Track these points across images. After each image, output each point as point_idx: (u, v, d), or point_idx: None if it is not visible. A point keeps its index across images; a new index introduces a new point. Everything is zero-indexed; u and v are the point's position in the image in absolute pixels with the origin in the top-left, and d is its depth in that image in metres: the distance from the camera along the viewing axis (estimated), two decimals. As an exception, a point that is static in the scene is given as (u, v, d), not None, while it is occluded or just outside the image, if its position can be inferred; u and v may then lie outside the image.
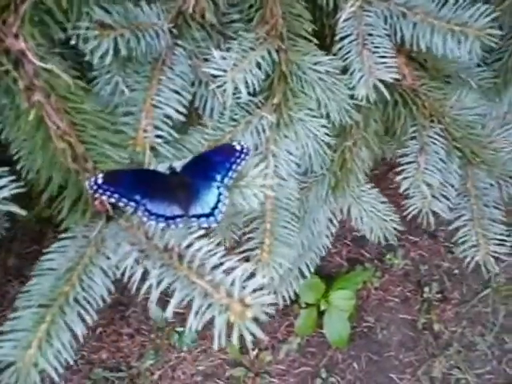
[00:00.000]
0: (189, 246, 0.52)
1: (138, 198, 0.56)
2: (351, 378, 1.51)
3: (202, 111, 0.69)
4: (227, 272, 0.49)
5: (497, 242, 0.80)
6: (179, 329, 1.52)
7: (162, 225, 0.55)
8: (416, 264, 1.67)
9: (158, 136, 0.63)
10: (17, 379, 0.51)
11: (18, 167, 0.57)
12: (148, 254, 0.53)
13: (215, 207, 0.58)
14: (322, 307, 1.49)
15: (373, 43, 0.73)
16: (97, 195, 0.55)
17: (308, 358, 1.53)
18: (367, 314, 1.59)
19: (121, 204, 0.56)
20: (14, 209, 0.49)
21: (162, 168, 0.61)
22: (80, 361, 1.45)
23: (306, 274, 0.82)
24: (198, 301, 0.49)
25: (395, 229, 0.89)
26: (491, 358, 1.55)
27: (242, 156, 0.60)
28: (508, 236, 0.80)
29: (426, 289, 1.62)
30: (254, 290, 0.47)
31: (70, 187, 0.56)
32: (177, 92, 0.65)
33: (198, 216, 0.58)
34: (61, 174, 0.56)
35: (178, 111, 0.64)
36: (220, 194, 0.59)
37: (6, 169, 0.51)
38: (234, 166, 0.60)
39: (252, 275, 0.48)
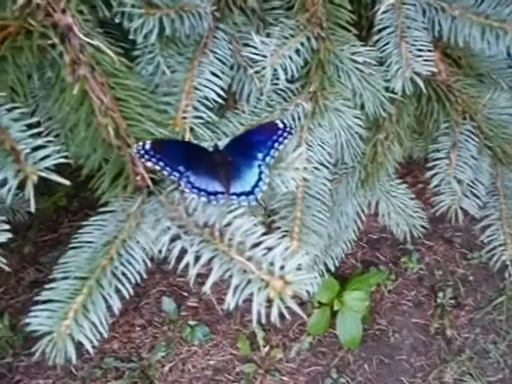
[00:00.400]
0: (229, 224, 0.52)
1: (181, 169, 0.56)
2: (362, 379, 1.50)
3: (238, 96, 0.70)
4: (267, 249, 0.49)
5: (525, 242, 0.80)
6: (192, 322, 1.52)
7: (203, 199, 0.55)
8: (431, 269, 1.67)
9: (197, 117, 0.63)
10: (52, 349, 0.51)
11: (61, 140, 0.57)
12: (187, 230, 0.53)
13: (256, 185, 0.58)
14: (336, 307, 1.48)
15: (411, 36, 0.73)
16: (142, 160, 0.55)
17: (319, 357, 1.52)
18: (380, 317, 1.58)
19: (164, 173, 0.56)
20: (57, 178, 0.50)
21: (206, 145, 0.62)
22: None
23: (332, 268, 0.82)
24: (237, 277, 0.49)
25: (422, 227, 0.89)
26: (503, 367, 1.53)
27: (285, 134, 0.60)
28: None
29: (440, 294, 1.61)
30: (294, 268, 0.47)
31: (111, 162, 0.57)
32: (216, 75, 0.65)
33: (239, 194, 0.58)
34: (103, 149, 0.56)
35: (217, 94, 0.65)
36: (261, 173, 0.59)
37: (51, 139, 0.51)
38: (276, 145, 0.60)
39: (293, 253, 0.48)
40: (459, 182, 0.79)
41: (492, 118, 0.83)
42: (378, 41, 0.74)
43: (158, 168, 0.56)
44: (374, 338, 1.55)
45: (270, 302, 0.47)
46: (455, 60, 0.84)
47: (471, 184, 0.80)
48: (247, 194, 0.58)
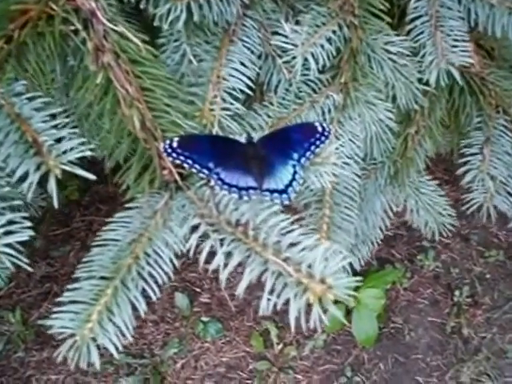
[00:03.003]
0: (264, 222, 0.49)
1: (211, 165, 0.53)
2: (376, 378, 1.48)
3: (266, 86, 0.66)
4: (306, 250, 0.45)
5: None
6: (204, 318, 1.50)
7: (234, 195, 0.52)
8: (447, 267, 1.64)
9: (224, 109, 0.60)
10: (75, 353, 0.48)
11: (84, 132, 0.54)
12: (218, 228, 0.50)
13: (289, 185, 0.56)
14: (351, 305, 1.45)
15: (446, 25, 0.70)
16: (170, 159, 0.52)
17: (333, 355, 1.50)
18: (395, 315, 1.56)
19: (194, 170, 0.53)
20: (83, 173, 0.47)
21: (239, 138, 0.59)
22: (103, 345, 1.44)
23: (358, 268, 0.79)
24: (272, 280, 0.45)
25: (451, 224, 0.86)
26: (522, 367, 1.50)
27: (323, 138, 0.57)
28: None
29: (457, 292, 1.59)
30: (336, 271, 0.44)
31: (137, 155, 0.54)
32: (245, 65, 0.62)
33: (272, 191, 0.55)
34: (128, 142, 0.53)
35: (245, 84, 0.62)
36: (295, 173, 0.56)
37: (76, 131, 0.48)
38: (312, 148, 0.57)
39: (334, 255, 0.44)
40: (492, 178, 0.75)
41: (526, 112, 0.79)
42: (411, 30, 0.71)
43: (186, 166, 0.53)
44: (389, 336, 1.53)
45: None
46: (488, 51, 0.80)
47: (504, 181, 0.77)
48: (280, 192, 0.55)
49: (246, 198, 0.53)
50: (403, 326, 1.54)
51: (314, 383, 1.45)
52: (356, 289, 1.43)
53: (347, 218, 0.69)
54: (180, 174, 0.53)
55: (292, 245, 0.46)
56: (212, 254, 0.49)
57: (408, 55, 0.70)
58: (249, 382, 1.45)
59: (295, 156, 0.57)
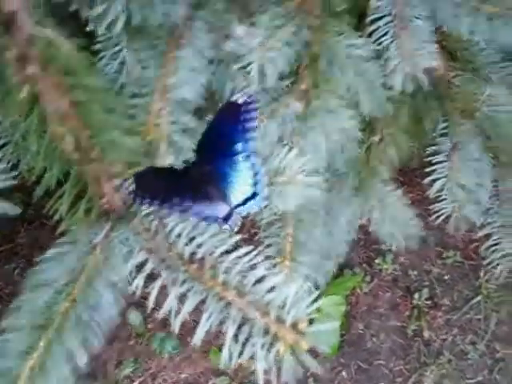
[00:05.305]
0: (223, 256, 0.42)
1: (177, 201, 0.46)
2: (340, 387, 1.45)
3: (220, 95, 0.60)
4: (275, 289, 0.39)
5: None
6: (160, 334, 1.43)
7: (213, 225, 0.46)
8: (405, 269, 1.63)
9: (173, 122, 0.53)
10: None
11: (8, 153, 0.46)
12: (169, 265, 0.43)
13: (255, 183, 0.49)
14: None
15: (411, 26, 0.65)
16: (137, 205, 0.45)
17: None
18: (356, 321, 1.54)
19: (164, 211, 0.46)
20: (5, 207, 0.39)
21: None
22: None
23: (323, 285, 0.74)
24: (234, 327, 0.39)
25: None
26: (483, 367, 1.51)
27: (250, 107, 0.51)
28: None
29: (416, 295, 1.57)
30: (310, 314, 0.38)
31: (70, 181, 0.46)
32: (195, 71, 0.55)
33: (244, 202, 0.49)
34: (60, 165, 0.45)
35: (196, 93, 0.55)
36: (253, 165, 0.50)
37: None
38: (247, 125, 0.51)
39: (307, 294, 0.38)
40: (462, 186, 0.71)
41: (492, 115, 0.75)
42: (374, 31, 0.65)
43: (155, 208, 0.46)
44: (351, 343, 1.50)
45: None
46: (451, 53, 0.76)
47: (473, 189, 0.73)
48: (252, 196, 0.49)
49: (230, 224, 0.47)
50: (365, 332, 1.53)
51: (277, 396, 1.40)
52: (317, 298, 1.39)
53: (312, 235, 0.64)
54: (122, 201, 0.46)
55: (257, 283, 0.40)
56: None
57: (371, 59, 0.65)
58: (209, 397, 1.39)
59: (240, 147, 0.51)
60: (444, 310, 1.57)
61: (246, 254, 0.41)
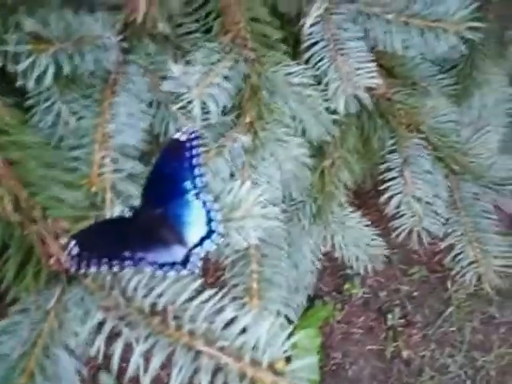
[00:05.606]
0: (186, 303, 0.39)
1: (128, 254, 0.43)
2: (323, 420, 1.41)
3: (163, 138, 0.58)
4: (246, 331, 0.37)
5: (497, 254, 0.73)
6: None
7: (172, 274, 0.43)
8: (374, 291, 1.63)
9: (117, 170, 0.51)
10: None
11: None
12: (130, 321, 0.40)
13: (209, 220, 0.47)
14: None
15: (346, 48, 0.65)
16: (83, 271, 0.41)
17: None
18: (333, 350, 1.51)
19: (115, 269, 0.42)
20: None
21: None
22: None
23: (294, 320, 0.71)
24: (207, 378, 0.36)
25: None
26: (465, 379, 1.51)
27: (194, 142, 0.49)
28: (509, 246, 0.73)
29: (389, 315, 1.57)
30: (286, 351, 0.36)
31: (14, 245, 0.42)
32: (134, 116, 0.53)
33: (200, 242, 0.46)
34: (1, 229, 0.42)
35: (138, 138, 0.53)
36: (204, 203, 0.48)
37: None
38: (194, 160, 0.49)
39: (281, 331, 0.36)
40: (419, 200, 0.71)
41: (437, 126, 0.76)
42: (310, 57, 0.65)
43: (104, 268, 0.42)
44: (331, 373, 1.48)
45: None
46: (389, 71, 0.77)
47: (430, 201, 0.72)
48: (208, 235, 0.46)
49: (185, 271, 0.44)
50: (343, 360, 1.51)
51: None
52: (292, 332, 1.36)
53: (277, 269, 0.62)
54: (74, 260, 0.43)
55: (227, 327, 0.37)
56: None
57: (311, 84, 0.64)
58: None
59: (188, 185, 0.49)
60: (418, 326, 1.56)
61: (211, 297, 0.39)
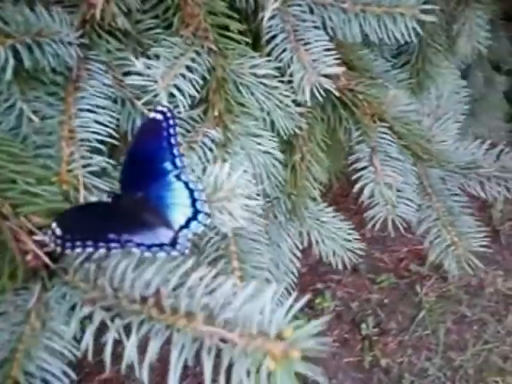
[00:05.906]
0: (180, 284, 0.37)
1: (113, 236, 0.40)
2: None
3: (131, 134, 0.55)
4: (248, 302, 0.34)
5: (472, 235, 0.73)
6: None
7: (161, 255, 0.41)
8: (346, 303, 1.63)
9: (87, 165, 0.48)
10: None
11: None
12: (120, 311, 0.37)
13: (194, 200, 0.45)
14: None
15: (306, 38, 0.65)
16: (68, 251, 0.39)
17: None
18: (311, 367, 1.48)
19: (101, 250, 0.40)
20: None
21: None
22: None
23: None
24: (211, 359, 0.33)
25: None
26: (444, 380, 1.51)
27: (171, 121, 0.47)
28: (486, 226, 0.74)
29: (363, 325, 1.57)
30: (292, 319, 0.34)
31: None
32: (98, 112, 0.51)
33: (186, 224, 0.44)
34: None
35: (105, 134, 0.50)
36: (186, 183, 0.46)
37: None
38: (172, 140, 0.47)
39: (283, 298, 0.34)
40: (390, 187, 0.71)
41: (400, 116, 0.77)
42: (272, 50, 0.65)
43: (90, 250, 0.39)
44: (311, 390, 1.43)
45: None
46: (348, 64, 0.77)
47: (402, 188, 0.72)
48: (194, 216, 0.44)
49: (175, 252, 0.42)
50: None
51: None
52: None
53: (259, 265, 0.60)
54: (49, 255, 0.40)
55: (227, 302, 0.35)
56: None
57: (277, 76, 0.64)
58: None
59: (168, 166, 0.47)
60: (393, 333, 1.57)
61: (205, 274, 0.36)
